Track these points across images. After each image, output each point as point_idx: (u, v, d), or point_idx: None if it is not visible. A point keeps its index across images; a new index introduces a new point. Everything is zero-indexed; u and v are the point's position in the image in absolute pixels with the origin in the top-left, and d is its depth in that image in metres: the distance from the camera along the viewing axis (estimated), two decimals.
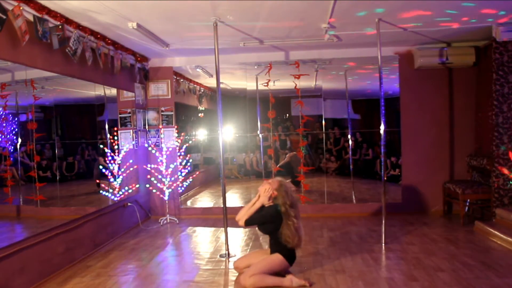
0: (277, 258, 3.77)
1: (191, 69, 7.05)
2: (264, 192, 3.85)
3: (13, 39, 3.48)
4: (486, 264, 4.00)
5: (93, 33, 4.70)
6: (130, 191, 5.87)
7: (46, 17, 3.86)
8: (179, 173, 6.50)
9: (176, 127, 6.64)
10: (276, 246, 3.81)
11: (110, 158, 5.59)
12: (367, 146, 8.12)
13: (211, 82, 8.15)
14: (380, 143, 4.90)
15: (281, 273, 3.77)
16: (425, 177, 6.32)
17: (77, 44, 4.32)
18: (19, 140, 4.39)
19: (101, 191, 5.51)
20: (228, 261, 4.42)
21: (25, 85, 4.14)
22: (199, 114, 8.65)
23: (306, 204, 6.43)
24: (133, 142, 6.07)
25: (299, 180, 6.41)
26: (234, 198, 7.63)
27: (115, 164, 5.63)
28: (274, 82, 6.47)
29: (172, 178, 6.42)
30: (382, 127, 4.73)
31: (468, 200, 5.81)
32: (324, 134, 7.46)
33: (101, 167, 5.53)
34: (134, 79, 6.19)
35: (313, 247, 4.76)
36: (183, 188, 6.65)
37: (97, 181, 5.61)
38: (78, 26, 4.40)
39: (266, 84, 6.42)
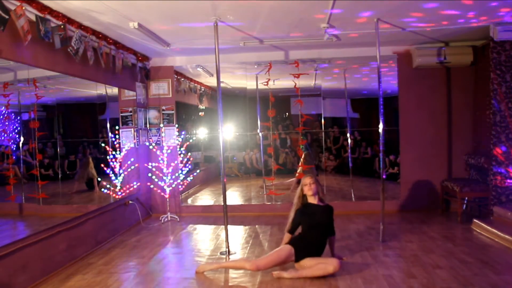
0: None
1: (192, 69, 7.09)
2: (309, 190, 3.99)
3: (16, 38, 3.51)
4: (483, 261, 4.04)
5: (94, 32, 4.73)
6: (131, 189, 5.92)
7: (48, 17, 3.89)
8: (179, 171, 6.54)
9: (176, 125, 6.67)
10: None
11: (111, 156, 5.63)
12: (366, 144, 8.16)
13: (211, 81, 8.18)
14: (378, 141, 4.94)
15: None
16: (423, 175, 6.37)
17: (79, 44, 4.36)
18: (22, 138, 4.42)
19: (103, 189, 5.55)
20: (229, 259, 4.46)
21: (27, 84, 4.17)
22: (200, 113, 8.69)
23: None
24: (134, 141, 6.11)
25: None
26: (234, 196, 7.66)
27: (117, 162, 5.68)
28: (274, 81, 6.50)
29: (173, 176, 6.46)
30: (380, 126, 4.77)
31: (466, 198, 5.87)
32: (323, 133, 7.50)
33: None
34: (136, 78, 6.23)
35: None
36: (183, 186, 6.69)
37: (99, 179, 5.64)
38: (80, 26, 4.43)
39: (266, 83, 6.45)
